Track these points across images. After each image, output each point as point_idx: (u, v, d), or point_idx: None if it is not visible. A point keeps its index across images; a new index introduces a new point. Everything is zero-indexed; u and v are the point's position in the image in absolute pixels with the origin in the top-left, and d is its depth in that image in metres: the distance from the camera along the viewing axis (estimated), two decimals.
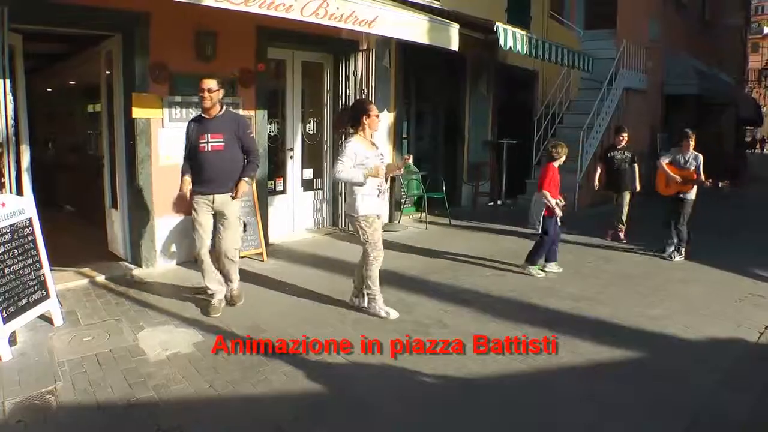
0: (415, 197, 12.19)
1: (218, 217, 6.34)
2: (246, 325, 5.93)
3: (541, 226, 8.05)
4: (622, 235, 10.56)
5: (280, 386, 4.71)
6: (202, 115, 6.28)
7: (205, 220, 6.29)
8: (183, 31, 7.69)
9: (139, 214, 7.70)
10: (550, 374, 5.10)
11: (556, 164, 8.11)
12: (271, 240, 9.13)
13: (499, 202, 13.93)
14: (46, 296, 5.69)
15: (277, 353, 5.27)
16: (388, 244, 9.37)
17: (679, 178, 9.19)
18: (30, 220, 5.72)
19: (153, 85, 7.53)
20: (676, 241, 9.36)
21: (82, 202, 11.01)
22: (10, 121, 6.34)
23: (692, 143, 9.30)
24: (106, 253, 8.31)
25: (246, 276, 7.09)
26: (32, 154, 7.12)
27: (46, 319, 5.77)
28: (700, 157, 9.22)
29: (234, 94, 8.32)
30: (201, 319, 6.07)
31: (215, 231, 6.38)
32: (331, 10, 7.08)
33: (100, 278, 7.30)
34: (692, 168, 9.17)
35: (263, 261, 8.28)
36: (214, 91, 6.11)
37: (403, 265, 8.33)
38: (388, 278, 7.57)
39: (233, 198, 6.26)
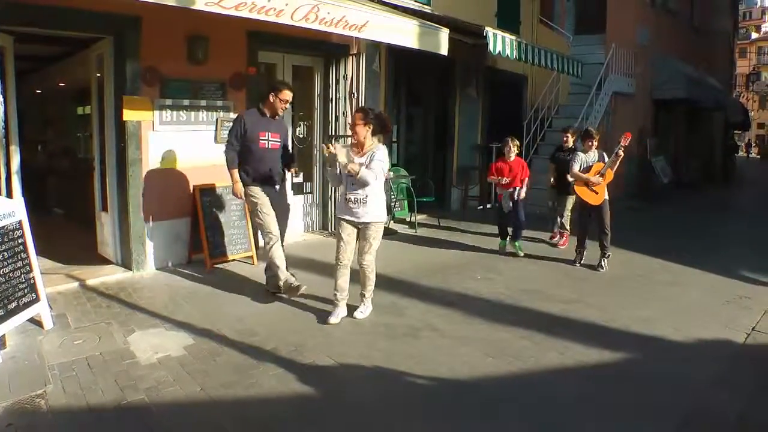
0: (405, 201, 12.20)
1: (275, 206, 6.91)
2: (237, 327, 5.92)
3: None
4: (563, 239, 10.29)
5: (271, 389, 4.71)
6: (263, 112, 6.86)
7: (271, 211, 6.85)
8: (174, 35, 7.70)
9: (130, 217, 7.67)
10: (540, 376, 5.12)
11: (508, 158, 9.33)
12: (261, 243, 9.11)
13: (488, 206, 13.97)
14: (36, 299, 5.67)
15: (269, 356, 5.29)
16: (379, 248, 9.46)
17: (596, 178, 8.69)
18: (20, 222, 5.70)
19: (144, 88, 7.53)
20: (607, 249, 8.84)
21: (72, 204, 10.98)
22: (0, 123, 6.34)
23: (595, 143, 9.01)
24: (96, 256, 8.30)
25: (235, 279, 7.10)
26: (22, 157, 7.11)
27: (36, 322, 5.75)
28: (603, 153, 9.07)
29: (225, 98, 8.33)
30: (191, 322, 6.05)
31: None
32: (321, 14, 7.09)
33: (91, 281, 7.27)
34: (591, 165, 8.86)
35: (253, 264, 8.28)
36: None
37: (393, 268, 8.33)
38: (380, 282, 7.56)
39: (290, 172, 7.30)
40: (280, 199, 7.09)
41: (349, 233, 6.29)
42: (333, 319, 6.20)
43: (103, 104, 7.88)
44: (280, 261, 6.81)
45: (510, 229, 9.58)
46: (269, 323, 6.11)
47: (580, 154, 9.06)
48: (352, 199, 6.15)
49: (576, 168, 8.91)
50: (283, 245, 6.96)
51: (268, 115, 6.86)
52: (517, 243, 9.49)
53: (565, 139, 10.25)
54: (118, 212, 7.88)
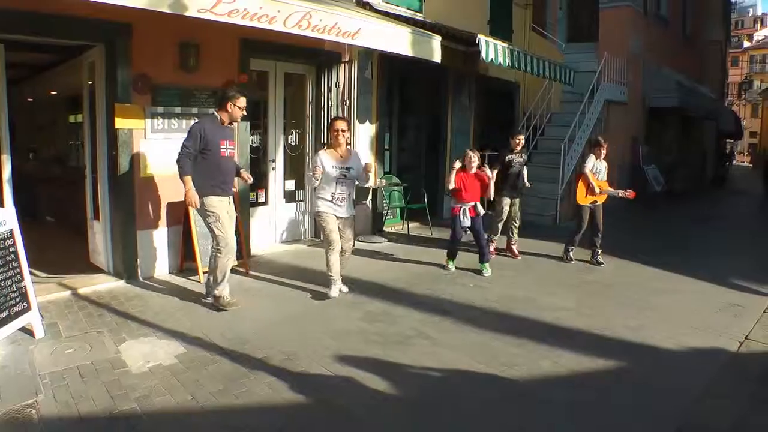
0: (397, 208, 12.19)
1: (229, 216, 6.89)
2: (229, 336, 5.91)
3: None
4: (515, 248, 10.18)
5: (263, 398, 4.70)
6: (222, 120, 6.74)
7: (230, 222, 6.85)
8: (166, 43, 7.68)
9: (121, 225, 7.65)
10: (532, 384, 5.12)
11: (467, 171, 8.83)
12: (253, 251, 9.12)
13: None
14: (28, 308, 5.64)
15: (260, 364, 5.27)
16: (371, 256, 9.46)
17: (598, 189, 9.46)
18: (11, 231, 5.68)
19: (135, 96, 7.50)
20: (599, 247, 9.65)
21: (64, 213, 10.94)
22: None
23: (605, 151, 9.65)
24: (88, 265, 8.26)
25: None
26: (14, 165, 7.09)
27: (27, 331, 5.71)
28: (606, 164, 9.73)
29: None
30: (183, 330, 6.04)
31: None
32: (314, 21, 7.10)
33: (82, 290, 7.24)
34: (600, 176, 9.57)
35: (245, 272, 8.25)
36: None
37: (386, 276, 8.34)
38: (373, 290, 7.63)
39: (243, 180, 7.35)
40: (232, 209, 7.00)
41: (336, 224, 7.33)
42: (333, 293, 7.33)
43: (95, 112, 7.85)
44: (227, 274, 6.78)
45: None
46: (260, 331, 6.09)
47: (593, 157, 9.63)
48: (340, 198, 7.26)
49: (589, 167, 9.53)
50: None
51: (225, 123, 6.76)
52: (486, 264, 8.92)
53: (517, 141, 10.03)
54: (109, 221, 7.84)
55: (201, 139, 6.50)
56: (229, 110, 6.66)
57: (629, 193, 9.64)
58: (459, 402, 4.75)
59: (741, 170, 45.15)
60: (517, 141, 10.05)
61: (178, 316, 6.50)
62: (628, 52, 16.91)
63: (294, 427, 4.32)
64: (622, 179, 16.61)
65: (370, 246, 10.43)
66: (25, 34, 6.74)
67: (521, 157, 10.08)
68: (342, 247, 7.34)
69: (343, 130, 7.27)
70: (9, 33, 6.56)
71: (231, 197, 6.95)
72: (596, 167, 9.56)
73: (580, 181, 9.55)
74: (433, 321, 6.61)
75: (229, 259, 6.72)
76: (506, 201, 9.99)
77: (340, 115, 10.07)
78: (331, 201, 7.22)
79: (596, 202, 9.56)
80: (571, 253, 9.74)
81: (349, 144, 7.64)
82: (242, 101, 6.67)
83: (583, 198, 9.51)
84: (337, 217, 7.27)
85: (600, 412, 4.65)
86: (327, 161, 7.15)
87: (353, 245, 7.65)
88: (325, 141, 10.13)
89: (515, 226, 10.20)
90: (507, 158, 10.01)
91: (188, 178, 6.47)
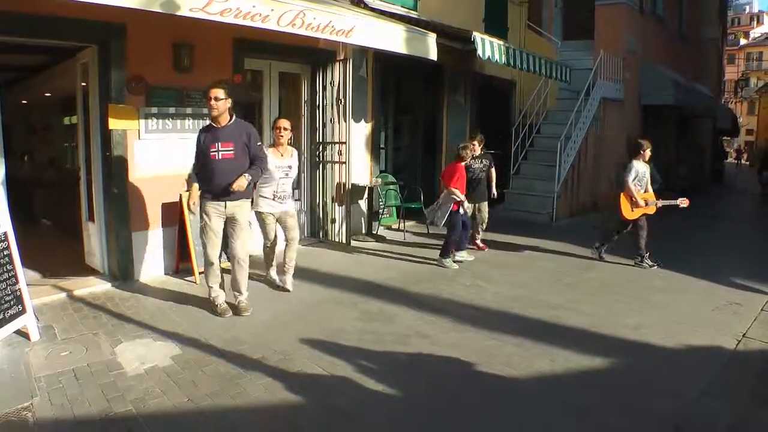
0: (393, 207, 12.17)
1: (229, 222, 6.65)
2: (225, 337, 5.88)
3: (448, 222, 9.06)
4: (479, 242, 10.41)
5: (258, 398, 4.68)
6: (212, 124, 6.53)
7: (216, 226, 6.59)
8: (159, 43, 7.65)
9: (116, 226, 7.61)
10: (529, 383, 5.10)
11: (463, 164, 9.04)
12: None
13: None
14: (23, 311, 5.61)
15: (256, 365, 5.25)
16: (367, 255, 9.44)
17: (644, 203, 9.26)
18: (5, 234, 5.65)
19: (129, 96, 7.47)
20: (646, 253, 9.40)
21: (58, 215, 10.91)
22: None
23: (648, 153, 9.41)
24: (83, 267, 8.23)
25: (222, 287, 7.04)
26: (7, 167, 7.05)
27: (22, 334, 5.68)
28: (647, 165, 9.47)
29: None
30: (179, 332, 6.01)
31: (226, 237, 6.75)
32: (307, 20, 7.08)
33: (78, 292, 7.20)
34: (644, 181, 9.38)
35: None
36: (221, 99, 6.34)
37: (383, 276, 8.32)
38: (369, 289, 7.61)
39: (229, 189, 6.37)
40: (237, 213, 6.60)
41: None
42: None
43: (89, 113, 7.82)
44: (213, 282, 6.73)
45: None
46: (256, 332, 6.07)
47: (635, 164, 9.32)
48: (281, 197, 7.38)
49: (630, 179, 9.21)
50: (239, 263, 6.77)
51: (216, 124, 6.48)
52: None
53: (472, 146, 9.75)
54: (104, 222, 7.82)
55: (198, 146, 6.55)
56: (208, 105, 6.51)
57: (684, 201, 9.50)
58: (457, 401, 4.73)
59: (738, 168, 45.19)
60: (472, 146, 9.74)
61: (174, 317, 6.48)
62: (624, 49, 16.87)
63: (290, 428, 4.31)
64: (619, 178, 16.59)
65: (365, 245, 10.42)
66: (16, 35, 6.71)
67: (481, 162, 10.09)
68: (287, 237, 7.61)
69: (285, 128, 7.40)
70: (1, 35, 6.52)
71: (231, 202, 6.52)
72: (639, 172, 9.30)
73: (622, 197, 9.31)
74: (431, 320, 6.59)
75: (209, 271, 6.70)
76: (468, 206, 9.74)
77: (336, 113, 10.07)
78: (272, 199, 7.35)
79: (645, 214, 9.36)
80: (602, 252, 9.70)
81: (290, 143, 7.83)
82: (211, 92, 6.34)
83: (629, 213, 9.27)
84: (280, 213, 7.47)
85: (599, 410, 4.63)
86: (272, 159, 7.18)
87: (298, 235, 7.84)
88: (321, 140, 10.17)
89: (481, 229, 10.47)
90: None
91: (193, 184, 6.64)
